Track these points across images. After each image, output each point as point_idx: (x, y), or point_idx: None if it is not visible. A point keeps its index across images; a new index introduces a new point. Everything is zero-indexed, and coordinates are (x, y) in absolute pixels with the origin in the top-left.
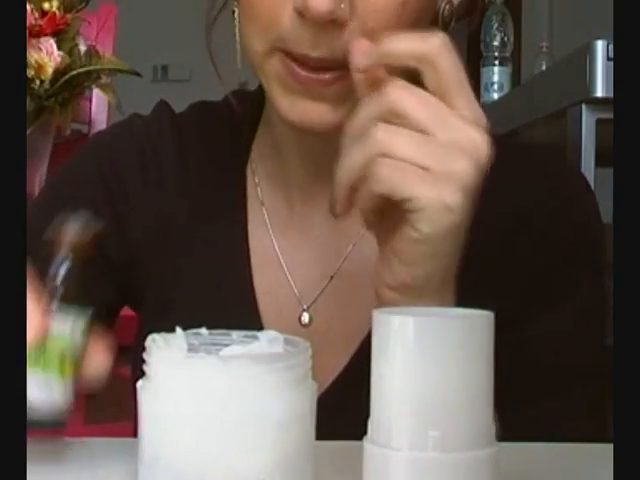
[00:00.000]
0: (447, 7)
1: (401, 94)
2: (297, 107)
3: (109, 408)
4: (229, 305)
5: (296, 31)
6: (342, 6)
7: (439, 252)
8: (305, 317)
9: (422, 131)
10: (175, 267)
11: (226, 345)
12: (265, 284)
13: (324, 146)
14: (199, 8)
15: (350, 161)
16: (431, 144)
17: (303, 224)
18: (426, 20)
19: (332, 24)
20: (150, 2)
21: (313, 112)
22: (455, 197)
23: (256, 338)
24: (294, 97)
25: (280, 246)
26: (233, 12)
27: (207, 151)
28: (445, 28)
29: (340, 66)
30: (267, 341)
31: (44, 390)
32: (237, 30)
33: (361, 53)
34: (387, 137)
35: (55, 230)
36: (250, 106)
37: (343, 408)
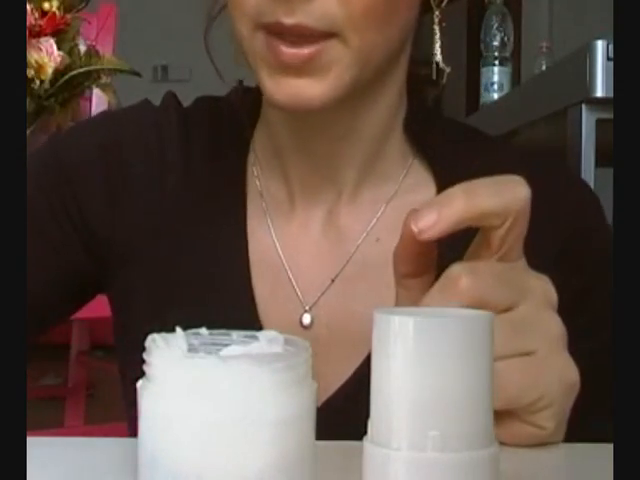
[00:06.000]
0: None
1: (471, 282)
2: (281, 86)
3: (109, 408)
4: (227, 302)
5: (271, 2)
6: None
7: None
8: (306, 318)
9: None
10: (172, 262)
11: (226, 345)
12: (265, 281)
13: (321, 142)
14: (199, 7)
15: None
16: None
17: (305, 220)
18: None
19: None
20: (150, 2)
21: (296, 88)
22: (575, 372)
23: (256, 338)
24: (278, 77)
25: (280, 242)
26: (225, 6)
27: (210, 143)
28: (438, 5)
29: (317, 36)
30: (267, 341)
31: None
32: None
33: (428, 227)
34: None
35: None
36: (250, 99)
37: (348, 416)
